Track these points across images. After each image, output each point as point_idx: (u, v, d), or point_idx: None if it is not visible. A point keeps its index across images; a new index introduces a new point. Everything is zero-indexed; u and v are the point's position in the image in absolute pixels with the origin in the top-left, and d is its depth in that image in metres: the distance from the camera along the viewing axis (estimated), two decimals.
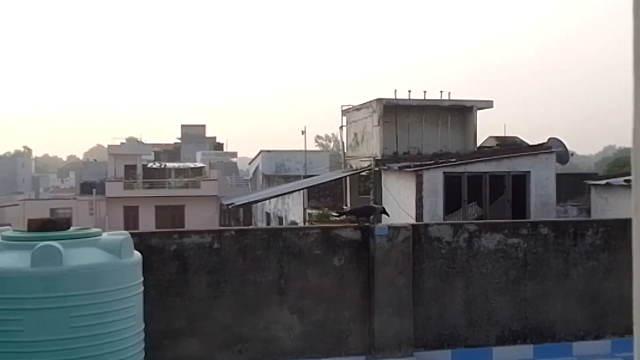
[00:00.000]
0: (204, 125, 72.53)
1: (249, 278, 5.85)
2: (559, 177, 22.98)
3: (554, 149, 22.17)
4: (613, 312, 6.56)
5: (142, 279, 4.84)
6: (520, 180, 21.28)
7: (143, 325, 4.79)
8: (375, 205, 7.12)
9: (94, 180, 52.98)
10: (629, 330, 6.18)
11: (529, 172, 21.25)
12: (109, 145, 58.04)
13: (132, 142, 64.99)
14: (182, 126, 71.21)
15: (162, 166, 57.55)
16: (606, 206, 19.33)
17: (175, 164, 59.38)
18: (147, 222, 46.53)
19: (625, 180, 18.16)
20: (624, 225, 6.64)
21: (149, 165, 56.61)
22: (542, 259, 6.46)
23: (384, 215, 7.19)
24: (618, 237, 6.60)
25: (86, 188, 52.14)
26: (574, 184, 24.74)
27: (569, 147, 24.80)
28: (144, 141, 65.54)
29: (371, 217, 6.61)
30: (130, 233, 4.94)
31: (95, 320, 4.28)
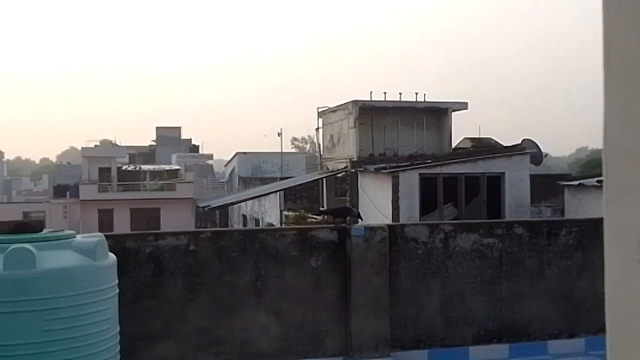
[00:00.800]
0: (179, 128, 72.02)
1: (226, 280, 5.83)
2: (533, 178, 23.21)
3: (528, 150, 22.40)
4: (587, 311, 6.64)
5: (117, 281, 4.79)
6: (495, 182, 21.47)
7: (118, 328, 4.74)
8: (353, 208, 7.13)
9: (68, 183, 52.33)
10: (602, 329, 6.28)
11: (503, 173, 21.45)
12: (82, 148, 57.39)
13: (107, 144, 64.33)
14: (157, 128, 70.66)
15: (137, 169, 57.06)
16: (579, 206, 19.58)
17: (151, 167, 58.90)
18: (122, 225, 46.08)
19: (597, 181, 18.42)
20: (597, 224, 6.73)
21: (124, 167, 56.06)
22: (517, 259, 6.53)
23: (362, 206, 7.22)
24: (591, 237, 6.69)
25: (60, 191, 51.50)
26: (548, 185, 25.01)
27: (542, 149, 25.07)
28: (118, 143, 64.86)
29: (347, 218, 6.63)
30: (105, 235, 4.90)
31: (69, 324, 4.24)
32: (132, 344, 5.38)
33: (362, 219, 6.77)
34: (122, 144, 64.63)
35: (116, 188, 50.78)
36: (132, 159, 62.72)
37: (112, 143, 65.11)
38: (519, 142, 23.67)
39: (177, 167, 59.21)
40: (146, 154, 68.18)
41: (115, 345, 4.67)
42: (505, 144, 25.14)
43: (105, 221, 47.43)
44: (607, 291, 0.88)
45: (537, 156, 24.09)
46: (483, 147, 25.14)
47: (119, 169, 54.16)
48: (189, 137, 73.10)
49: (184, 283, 5.74)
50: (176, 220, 45.26)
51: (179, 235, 5.81)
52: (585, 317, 6.64)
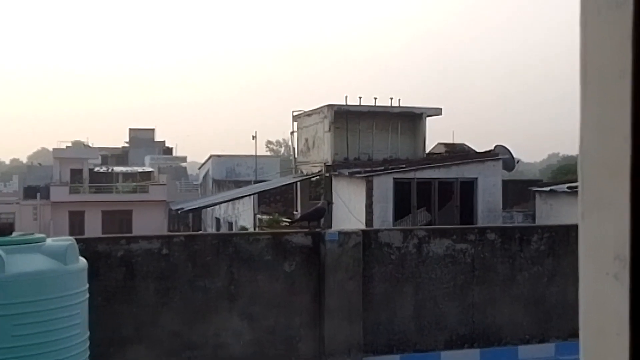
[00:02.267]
0: (152, 129, 71.53)
1: (199, 284, 5.79)
2: (505, 183, 23.45)
3: (500, 156, 22.63)
4: (557, 316, 6.71)
5: (87, 285, 4.73)
6: (468, 187, 21.64)
7: (88, 333, 4.68)
8: (321, 205, 7.10)
9: (39, 184, 51.62)
10: (572, 334, 6.30)
11: (476, 178, 21.62)
12: (54, 149, 56.70)
13: (79, 145, 63.62)
14: (131, 130, 70.08)
15: (110, 170, 56.52)
16: (550, 212, 19.81)
17: (123, 168, 58.38)
18: (94, 228, 45.60)
19: (568, 187, 18.66)
20: (568, 231, 6.82)
21: (96, 169, 55.50)
22: (490, 264, 6.58)
23: (335, 222, 7.22)
24: (562, 243, 6.77)
25: (30, 192, 50.76)
26: (520, 191, 25.28)
27: (514, 155, 25.35)
28: (90, 145, 64.21)
29: (322, 220, 6.62)
30: (76, 239, 4.83)
31: (39, 329, 4.17)
32: (102, 349, 5.31)
33: (332, 202, 6.64)
34: (94, 145, 64.00)
35: (88, 190, 50.24)
36: (105, 161, 62.09)
37: (84, 144, 64.42)
38: (492, 148, 23.92)
39: (151, 169, 58.75)
40: (119, 156, 67.54)
41: (86, 350, 4.61)
42: (478, 150, 25.37)
43: (76, 223, 46.88)
44: (581, 304, 0.88)
45: (510, 162, 24.35)
46: (456, 153, 25.33)
47: (90, 170, 53.60)
48: (162, 139, 72.58)
49: (157, 287, 5.68)
50: (149, 223, 44.88)
51: (151, 239, 5.75)
52: (556, 322, 6.71)
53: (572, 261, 6.33)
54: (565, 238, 6.77)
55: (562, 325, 6.67)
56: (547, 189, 20.78)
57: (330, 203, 6.99)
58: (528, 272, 6.69)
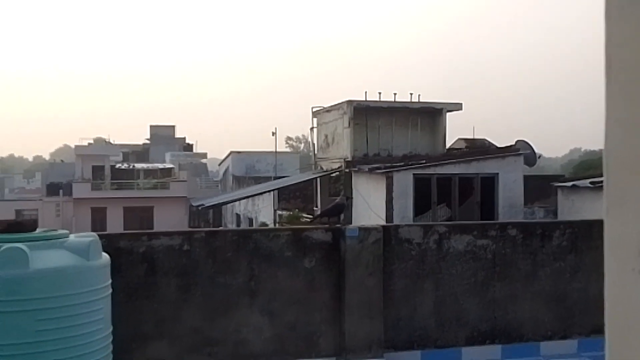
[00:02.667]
0: (173, 126, 71.94)
1: (219, 280, 5.81)
2: (527, 179, 23.25)
3: (521, 151, 22.45)
4: (579, 312, 6.66)
5: (110, 281, 4.78)
6: (489, 182, 21.51)
7: (111, 329, 4.73)
8: (340, 201, 7.09)
9: (61, 181, 52.16)
10: (595, 330, 6.24)
11: (497, 174, 21.48)
12: (76, 146, 57.26)
13: (100, 142, 64.17)
14: (151, 127, 70.53)
15: (131, 167, 56.94)
16: (572, 208, 19.63)
17: (144, 165, 58.78)
18: (115, 224, 45.98)
19: (590, 182, 18.46)
20: (590, 226, 6.75)
21: (117, 166, 55.94)
22: (511, 260, 6.54)
23: (354, 218, 7.21)
24: (584, 239, 6.70)
25: (52, 189, 51.33)
26: (541, 186, 25.06)
27: (536, 150, 25.10)
28: (112, 142, 64.74)
29: (341, 215, 6.62)
30: (98, 235, 4.88)
31: (62, 324, 4.21)
32: (125, 345, 5.36)
33: (351, 197, 6.59)
34: (115, 142, 64.55)
35: (109, 186, 50.65)
36: (126, 158, 62.57)
37: (105, 141, 64.97)
38: (513, 143, 23.73)
39: (171, 165, 59.10)
40: (140, 153, 68.04)
41: (108, 346, 4.65)
42: (499, 145, 25.19)
43: (98, 220, 47.31)
44: (607, 300, 0.87)
45: (531, 157, 24.14)
46: (477, 148, 25.18)
47: (112, 167, 54.03)
48: (183, 136, 73.01)
49: (178, 283, 5.72)
50: (169, 219, 45.20)
51: (172, 235, 5.79)
52: (578, 319, 6.66)
53: (595, 257, 6.28)
54: (587, 234, 6.71)
55: (585, 321, 6.61)
56: (569, 184, 20.59)
57: (349, 198, 6.98)
58: (550, 268, 6.64)
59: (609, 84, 0.85)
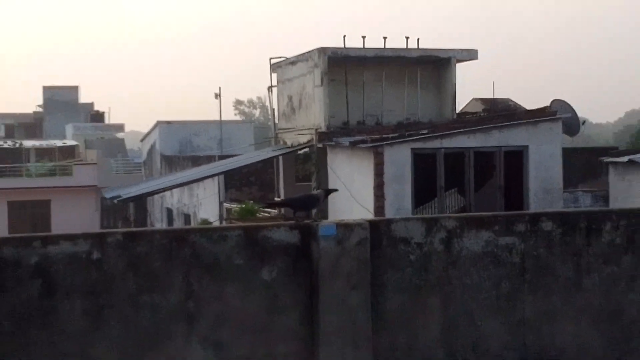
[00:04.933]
0: (76, 87, 71.32)
1: (144, 301, 5.79)
2: (567, 153, 23.48)
3: (559, 115, 22.62)
4: None
5: None
6: (516, 159, 21.65)
7: None
8: (317, 193, 7.07)
9: None
10: None
11: (526, 147, 21.63)
12: None
13: None
14: (45, 88, 69.80)
15: (17, 145, 56.33)
16: (629, 191, 19.88)
17: (36, 142, 58.21)
18: None
19: None
20: None
21: None
22: (546, 265, 6.60)
23: (331, 211, 7.21)
24: None
25: None
26: (587, 163, 25.37)
27: (579, 113, 25.37)
28: None
29: (313, 210, 6.61)
30: None
31: None
32: None
33: (336, 190, 6.49)
34: None
35: None
36: (10, 132, 61.92)
37: None
38: (548, 104, 23.90)
39: (74, 142, 58.59)
40: (29, 125, 67.35)
41: None
42: (528, 107, 25.37)
43: None
44: None
45: (573, 123, 24.38)
46: (499, 112, 25.33)
47: None
48: (89, 101, 72.40)
49: (85, 307, 5.68)
50: (73, 217, 44.86)
51: (77, 239, 5.74)
52: (638, 342, 6.76)
53: None
54: None
55: None
56: (625, 159, 20.84)
57: (330, 191, 6.91)
58: (599, 275, 6.72)
59: None
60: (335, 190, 6.64)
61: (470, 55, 25.43)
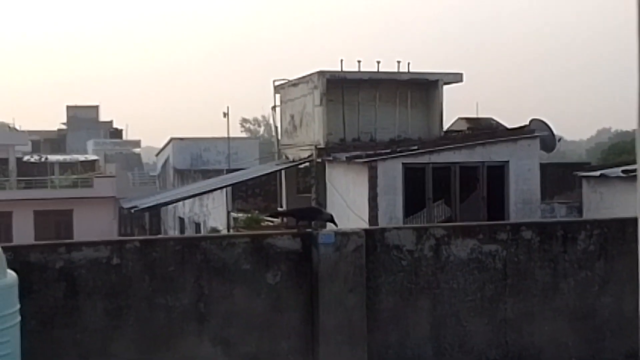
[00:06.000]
0: (96, 107, 71.31)
1: (159, 302, 5.80)
2: (544, 167, 23.51)
3: (537, 133, 22.66)
4: (611, 333, 6.75)
5: (18, 306, 4.73)
6: (497, 173, 21.68)
7: None
8: (322, 209, 7.09)
9: None
10: (630, 355, 6.33)
11: (507, 162, 21.66)
12: None
13: (3, 129, 63.33)
14: (69, 107, 69.84)
15: (43, 159, 56.34)
16: (601, 203, 19.87)
17: (60, 157, 58.21)
18: (24, 233, 45.46)
19: (623, 171, 18.70)
20: (624, 226, 6.85)
21: (25, 158, 55.33)
22: (526, 270, 6.61)
23: (330, 207, 7.21)
24: (616, 241, 6.79)
25: None
26: (562, 176, 25.35)
27: (555, 131, 25.39)
28: (18, 128, 63.93)
29: (313, 222, 6.63)
30: (2, 247, 4.83)
31: None
32: None
33: (336, 224, 6.63)
34: (23, 129, 63.71)
35: (15, 185, 50.06)
36: (36, 147, 61.91)
37: (9, 127, 64.04)
38: (527, 123, 23.95)
39: (95, 157, 58.61)
40: (54, 141, 67.38)
41: None
42: (509, 126, 25.42)
43: (2, 227, 46.74)
44: None
45: (549, 140, 24.41)
46: (482, 130, 25.37)
47: (18, 159, 53.42)
48: (109, 119, 72.45)
49: (106, 307, 5.69)
50: (94, 226, 44.81)
51: (98, 245, 5.75)
52: (610, 341, 6.76)
53: (630, 264, 6.35)
54: (620, 235, 6.80)
55: (618, 344, 6.70)
56: (597, 173, 20.83)
57: (333, 221, 6.77)
58: (574, 279, 6.73)
59: None
60: (335, 223, 6.59)
61: (456, 78, 25.51)
